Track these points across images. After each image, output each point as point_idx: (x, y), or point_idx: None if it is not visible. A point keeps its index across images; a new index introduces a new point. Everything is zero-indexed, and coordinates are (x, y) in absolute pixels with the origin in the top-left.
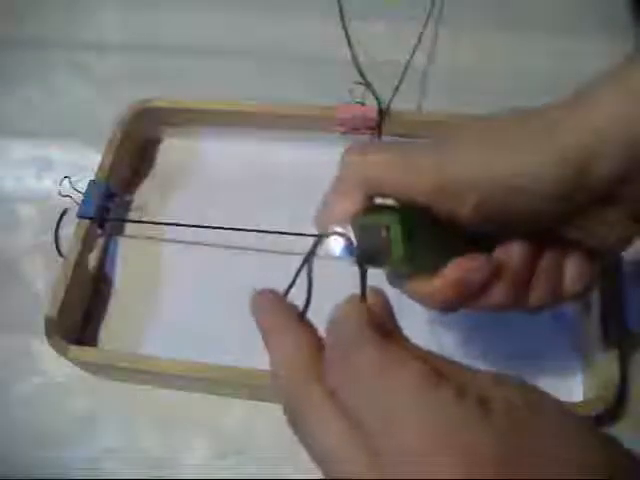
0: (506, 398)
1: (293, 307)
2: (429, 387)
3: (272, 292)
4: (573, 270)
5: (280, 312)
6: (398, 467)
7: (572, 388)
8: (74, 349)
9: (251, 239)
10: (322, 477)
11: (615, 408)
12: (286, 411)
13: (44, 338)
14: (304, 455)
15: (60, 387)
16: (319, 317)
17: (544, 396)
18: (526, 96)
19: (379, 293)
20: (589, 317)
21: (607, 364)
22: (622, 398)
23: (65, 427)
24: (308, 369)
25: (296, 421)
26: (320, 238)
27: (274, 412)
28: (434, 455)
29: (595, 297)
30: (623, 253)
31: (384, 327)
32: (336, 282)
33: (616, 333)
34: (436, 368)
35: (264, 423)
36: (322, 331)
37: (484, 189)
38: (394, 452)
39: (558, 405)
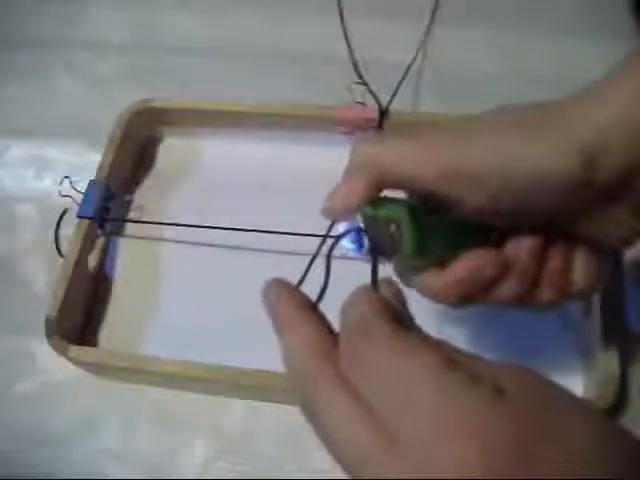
0: (520, 385)
1: (306, 298)
2: (442, 374)
3: (285, 282)
4: (581, 267)
5: (294, 301)
6: (412, 452)
7: (572, 387)
8: (74, 349)
9: (251, 239)
10: (323, 477)
11: (615, 407)
12: (299, 401)
13: (44, 338)
14: (304, 455)
15: (60, 387)
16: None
17: (556, 386)
18: (527, 97)
19: (392, 283)
20: (590, 316)
21: (607, 363)
22: (622, 397)
23: (65, 427)
24: (321, 357)
25: (309, 409)
26: (331, 230)
27: (274, 412)
28: (448, 440)
29: (595, 297)
30: (623, 253)
31: (396, 316)
32: (344, 278)
33: (616, 333)
34: (449, 356)
35: (264, 423)
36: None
37: (499, 179)
38: (408, 438)
39: (571, 396)
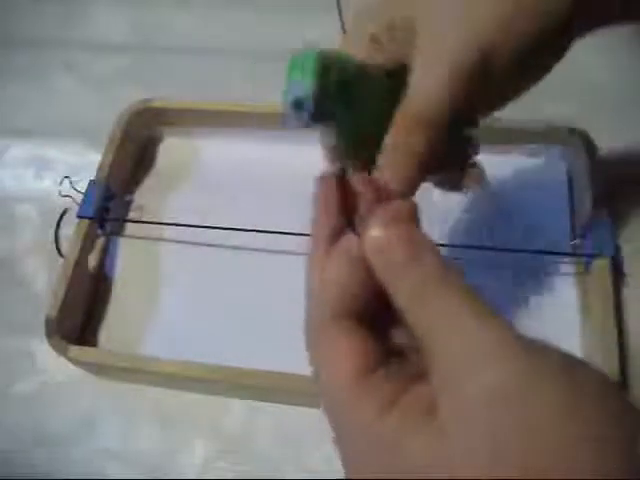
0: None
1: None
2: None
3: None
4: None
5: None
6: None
7: None
8: (74, 349)
9: (251, 239)
10: (323, 477)
11: None
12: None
13: (44, 338)
14: (304, 455)
15: (60, 387)
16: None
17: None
18: (527, 96)
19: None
20: (589, 317)
21: (607, 365)
22: None
23: (64, 427)
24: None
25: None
26: None
27: (274, 412)
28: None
29: (595, 297)
30: (623, 253)
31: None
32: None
33: (616, 334)
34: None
35: (264, 423)
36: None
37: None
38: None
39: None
